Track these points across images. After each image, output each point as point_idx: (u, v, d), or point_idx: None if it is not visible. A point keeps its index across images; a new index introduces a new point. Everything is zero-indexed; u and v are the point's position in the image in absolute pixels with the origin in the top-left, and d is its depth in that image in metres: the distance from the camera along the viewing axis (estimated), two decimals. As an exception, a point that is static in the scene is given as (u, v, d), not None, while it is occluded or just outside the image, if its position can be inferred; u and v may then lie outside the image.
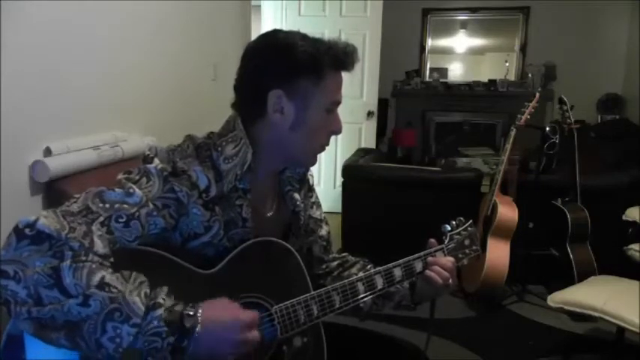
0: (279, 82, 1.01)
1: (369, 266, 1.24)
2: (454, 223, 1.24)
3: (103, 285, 0.80)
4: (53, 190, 1.66)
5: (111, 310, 0.80)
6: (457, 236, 1.22)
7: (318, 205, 1.27)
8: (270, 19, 4.60)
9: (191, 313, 0.85)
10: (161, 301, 0.84)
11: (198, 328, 0.84)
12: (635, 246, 2.46)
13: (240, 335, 0.88)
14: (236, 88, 1.07)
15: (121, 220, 0.89)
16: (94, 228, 0.86)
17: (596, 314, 1.92)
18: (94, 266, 0.81)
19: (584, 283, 2.26)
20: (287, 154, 1.08)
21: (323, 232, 1.26)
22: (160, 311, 0.82)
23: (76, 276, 0.79)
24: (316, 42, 1.03)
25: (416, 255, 1.15)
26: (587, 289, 2.13)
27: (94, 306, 0.79)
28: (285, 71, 1.01)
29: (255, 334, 0.90)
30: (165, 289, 0.86)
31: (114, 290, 0.81)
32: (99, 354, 0.81)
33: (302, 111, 1.02)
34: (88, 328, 0.79)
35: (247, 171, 1.02)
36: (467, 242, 1.23)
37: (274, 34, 1.07)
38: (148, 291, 0.84)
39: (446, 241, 1.21)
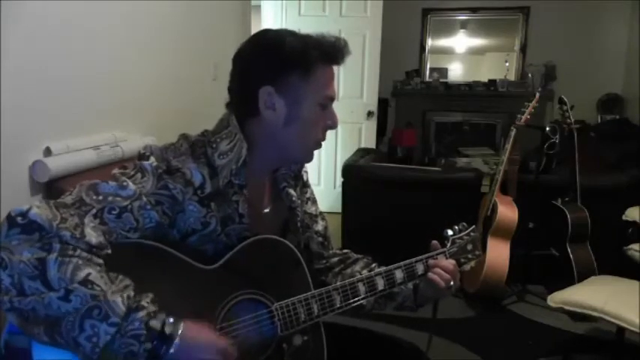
0: (269, 79, 1.01)
1: (373, 264, 1.24)
2: (457, 227, 1.23)
3: (86, 282, 0.81)
4: (53, 190, 1.65)
5: (90, 308, 0.80)
6: (459, 240, 1.21)
7: (314, 201, 1.27)
8: (270, 19, 4.59)
9: (172, 321, 0.85)
10: (145, 304, 0.84)
11: (176, 340, 0.84)
12: (635, 246, 2.46)
13: (216, 357, 0.88)
14: (229, 88, 1.08)
15: (113, 212, 0.90)
16: (86, 220, 0.86)
17: (596, 314, 1.91)
18: (80, 262, 0.81)
19: (584, 283, 2.26)
20: (282, 151, 1.08)
21: (319, 227, 1.25)
22: (142, 314, 0.83)
23: (61, 270, 0.79)
24: (305, 37, 1.03)
25: (417, 257, 1.15)
26: (587, 289, 2.13)
27: (74, 301, 0.79)
28: (274, 67, 1.01)
29: None
30: (150, 295, 0.86)
31: (97, 288, 0.81)
32: (78, 353, 0.81)
33: (294, 106, 1.03)
34: (66, 325, 0.80)
35: (242, 167, 1.02)
36: (469, 247, 1.22)
37: (263, 33, 1.08)
38: (131, 294, 0.84)
39: (448, 245, 1.20)
